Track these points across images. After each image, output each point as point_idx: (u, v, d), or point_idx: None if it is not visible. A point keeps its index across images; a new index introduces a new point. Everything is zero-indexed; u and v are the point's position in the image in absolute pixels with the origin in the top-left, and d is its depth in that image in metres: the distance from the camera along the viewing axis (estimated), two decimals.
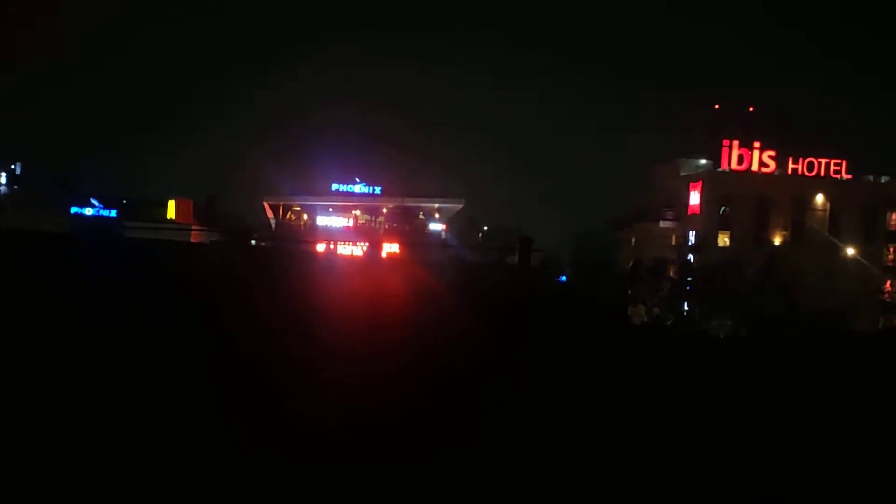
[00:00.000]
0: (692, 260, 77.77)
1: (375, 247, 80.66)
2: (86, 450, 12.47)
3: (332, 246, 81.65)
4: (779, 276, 67.83)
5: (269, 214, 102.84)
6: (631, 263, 73.38)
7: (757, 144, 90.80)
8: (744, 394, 15.71)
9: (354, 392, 13.74)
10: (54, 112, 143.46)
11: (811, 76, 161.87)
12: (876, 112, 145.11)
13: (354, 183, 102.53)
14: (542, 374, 14.77)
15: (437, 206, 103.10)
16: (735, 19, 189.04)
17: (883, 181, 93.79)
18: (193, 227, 79.12)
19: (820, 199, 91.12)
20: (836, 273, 79.94)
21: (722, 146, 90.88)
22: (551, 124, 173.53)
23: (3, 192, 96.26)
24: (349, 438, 13.20)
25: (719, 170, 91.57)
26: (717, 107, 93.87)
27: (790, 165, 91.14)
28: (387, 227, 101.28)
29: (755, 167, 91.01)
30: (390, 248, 76.72)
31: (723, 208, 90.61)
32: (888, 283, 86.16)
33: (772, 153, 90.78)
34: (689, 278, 70.74)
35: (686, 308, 68.13)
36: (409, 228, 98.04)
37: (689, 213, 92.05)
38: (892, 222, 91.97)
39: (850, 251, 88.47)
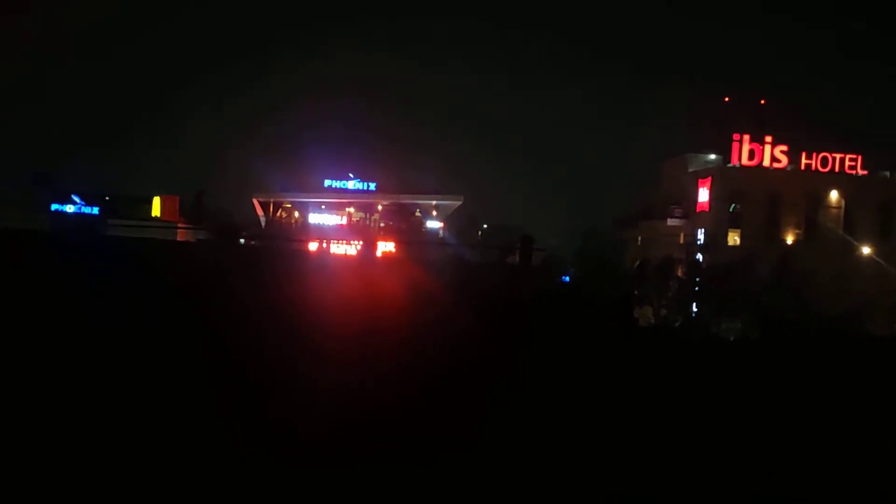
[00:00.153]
0: (701, 259, 75.78)
1: (370, 246, 79.94)
2: (70, 448, 12.33)
3: (324, 245, 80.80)
4: (791, 276, 66.75)
5: (259, 212, 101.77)
6: (637, 263, 71.80)
7: (769, 139, 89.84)
8: (755, 399, 15.65)
9: (348, 396, 13.65)
10: (34, 106, 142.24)
11: (825, 68, 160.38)
12: (892, 105, 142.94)
13: (348, 179, 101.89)
14: (544, 377, 14.65)
15: (434, 203, 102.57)
16: (746, 9, 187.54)
17: None
18: (179, 225, 78.70)
19: (834, 195, 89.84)
20: (851, 273, 79.77)
21: (732, 141, 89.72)
22: (555, 118, 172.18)
23: None
24: (343, 441, 13.09)
25: (729, 165, 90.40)
26: (726, 100, 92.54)
27: (803, 161, 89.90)
28: (382, 225, 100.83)
29: (767, 162, 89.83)
30: (385, 247, 76.42)
31: (733, 205, 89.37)
32: None
33: (784, 148, 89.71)
34: (697, 279, 68.86)
35: (695, 309, 66.13)
36: (405, 226, 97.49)
37: (697, 210, 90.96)
38: None
39: (866, 250, 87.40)
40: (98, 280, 13.93)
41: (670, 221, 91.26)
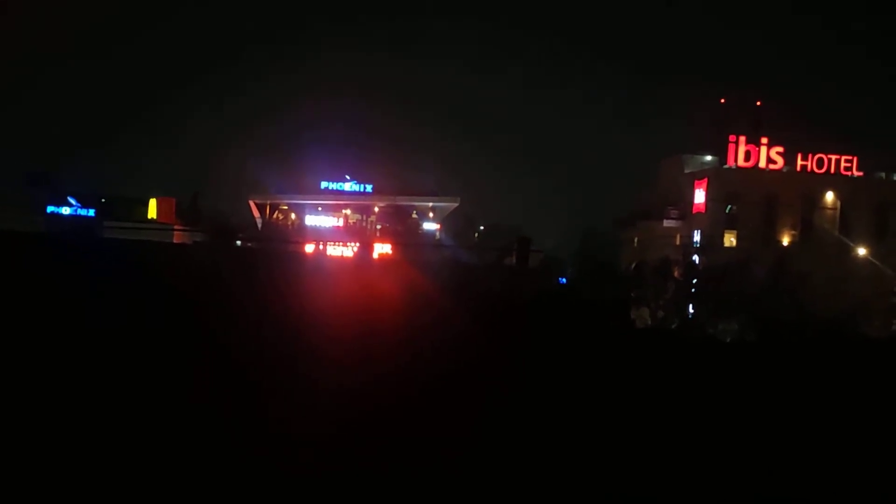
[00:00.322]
0: (697, 261, 75.59)
1: (367, 247, 79.71)
2: (68, 449, 12.24)
3: (321, 247, 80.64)
4: (787, 277, 66.58)
5: (255, 214, 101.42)
6: (634, 264, 71.75)
7: (764, 140, 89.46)
8: (751, 400, 15.60)
9: (346, 397, 13.49)
10: (31, 107, 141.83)
11: (821, 69, 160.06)
12: (888, 107, 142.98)
13: (345, 181, 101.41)
14: (541, 379, 14.59)
15: (431, 204, 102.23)
16: (742, 10, 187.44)
17: (895, 178, 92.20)
18: (176, 227, 78.21)
19: (830, 197, 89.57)
20: (846, 274, 79.05)
21: (728, 142, 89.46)
22: (552, 119, 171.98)
23: None
24: (341, 441, 12.93)
25: (725, 167, 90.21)
26: (722, 101, 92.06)
27: (799, 162, 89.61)
28: (378, 226, 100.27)
29: (763, 164, 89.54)
30: (382, 248, 76.29)
31: (729, 207, 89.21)
32: None
33: (780, 149, 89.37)
34: (694, 280, 68.68)
35: (691, 311, 66.10)
36: (401, 228, 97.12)
37: (693, 211, 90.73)
38: None
39: (862, 251, 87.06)
40: (95, 282, 13.86)
41: (667, 223, 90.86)
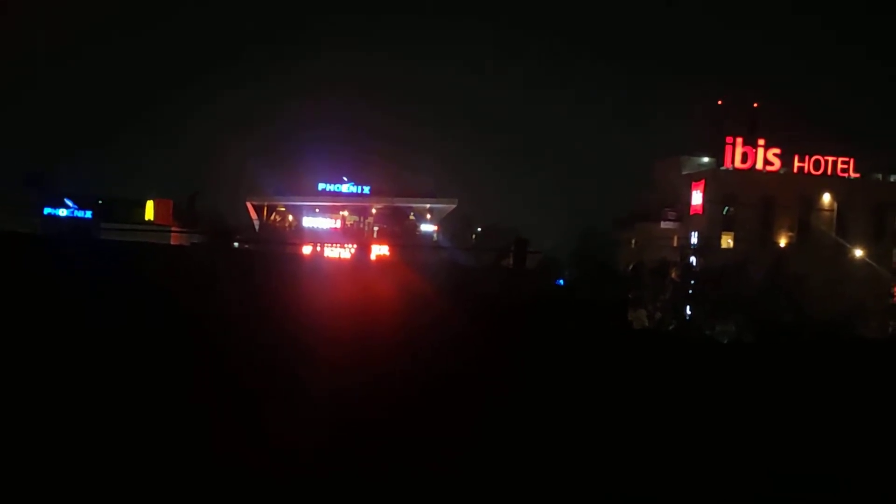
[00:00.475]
0: (694, 262, 75.50)
1: (364, 249, 79.93)
2: (64, 451, 12.22)
3: (318, 248, 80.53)
4: (784, 278, 66.36)
5: (253, 215, 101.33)
6: (631, 266, 71.66)
7: (761, 142, 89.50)
8: (747, 402, 15.59)
9: (343, 399, 13.51)
10: (28, 109, 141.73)
11: (817, 71, 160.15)
12: (885, 108, 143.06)
13: (342, 182, 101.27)
14: (539, 380, 14.52)
15: (428, 206, 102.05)
16: (740, 11, 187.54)
17: (892, 180, 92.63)
18: (173, 229, 77.97)
19: (827, 198, 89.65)
20: (843, 275, 78.93)
21: (725, 143, 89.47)
22: (551, 119, 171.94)
23: None
24: (339, 444, 12.97)
25: (722, 168, 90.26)
26: (719, 102, 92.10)
27: (796, 164, 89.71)
28: (376, 228, 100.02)
29: (760, 165, 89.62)
30: (380, 250, 76.23)
31: (726, 208, 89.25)
32: None
33: (777, 151, 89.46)
34: (691, 281, 68.56)
35: (689, 312, 66.01)
36: (399, 230, 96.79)
37: (691, 213, 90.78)
38: None
39: (859, 253, 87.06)
40: (91, 284, 13.77)
41: (664, 224, 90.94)
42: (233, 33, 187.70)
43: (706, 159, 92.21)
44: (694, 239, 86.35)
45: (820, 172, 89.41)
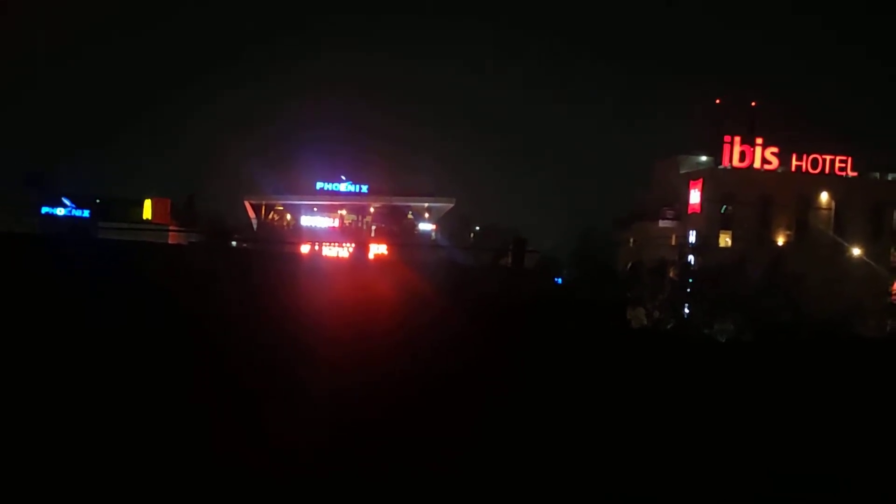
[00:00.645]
0: (693, 261, 75.61)
1: (362, 248, 79.95)
2: (60, 453, 12.28)
3: (316, 247, 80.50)
4: (782, 277, 66.45)
5: (251, 214, 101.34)
6: (630, 265, 71.75)
7: (759, 141, 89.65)
8: (745, 401, 15.66)
9: (341, 400, 13.57)
10: (26, 109, 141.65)
11: (815, 70, 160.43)
12: (882, 107, 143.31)
13: (340, 181, 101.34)
14: (537, 380, 14.59)
15: (426, 205, 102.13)
16: (738, 11, 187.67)
17: (890, 178, 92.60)
18: (171, 228, 77.97)
19: (825, 197, 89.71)
20: (841, 274, 79.13)
21: (723, 142, 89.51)
22: (549, 119, 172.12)
23: None
24: (337, 445, 13.05)
25: (720, 167, 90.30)
26: (717, 101, 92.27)
27: (794, 162, 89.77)
28: (374, 227, 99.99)
29: (758, 164, 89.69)
30: (378, 249, 76.13)
31: (724, 207, 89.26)
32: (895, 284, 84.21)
33: (775, 150, 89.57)
34: (689, 280, 68.65)
35: (687, 311, 66.09)
36: (397, 229, 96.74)
37: (689, 212, 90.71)
38: None
39: (856, 251, 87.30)
40: (89, 284, 13.74)
41: (662, 223, 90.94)
42: (232, 33, 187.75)
43: (704, 158, 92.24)
44: (692, 238, 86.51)
45: (818, 171, 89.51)
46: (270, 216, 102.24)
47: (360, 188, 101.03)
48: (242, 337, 13.90)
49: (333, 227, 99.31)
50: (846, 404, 15.92)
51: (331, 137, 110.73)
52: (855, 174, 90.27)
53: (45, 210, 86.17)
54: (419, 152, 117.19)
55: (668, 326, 61.11)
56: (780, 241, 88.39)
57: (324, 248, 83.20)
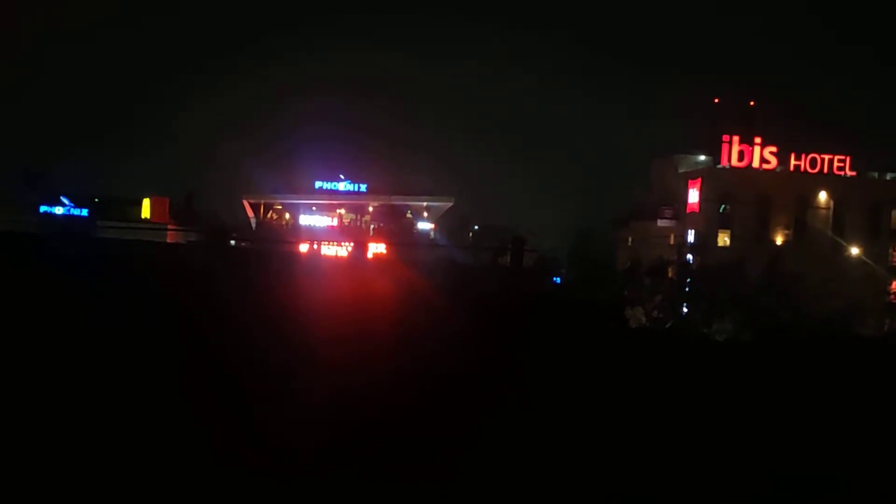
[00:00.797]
0: (691, 260, 75.56)
1: (361, 247, 79.85)
2: (58, 454, 12.23)
3: (315, 246, 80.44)
4: (781, 277, 66.31)
5: (250, 213, 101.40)
6: (628, 264, 71.68)
7: (758, 140, 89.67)
8: (745, 399, 15.67)
9: (340, 399, 13.53)
10: (24, 108, 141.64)
11: (814, 70, 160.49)
12: (881, 106, 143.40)
13: (339, 180, 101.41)
14: (536, 379, 14.54)
15: (425, 204, 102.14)
16: (738, 11, 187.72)
17: (888, 178, 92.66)
18: (169, 227, 77.96)
19: (823, 196, 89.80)
20: (840, 274, 78.74)
21: (722, 142, 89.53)
22: (548, 118, 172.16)
23: None
24: (336, 445, 13.01)
25: (719, 166, 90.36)
26: (716, 101, 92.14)
27: (792, 162, 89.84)
28: (373, 226, 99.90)
29: (756, 164, 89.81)
30: (376, 248, 76.11)
31: (723, 206, 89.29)
32: (894, 283, 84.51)
33: (773, 149, 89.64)
34: (688, 279, 68.59)
35: (685, 310, 66.02)
36: (396, 228, 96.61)
37: (687, 211, 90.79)
38: None
39: (855, 251, 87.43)
40: (87, 283, 13.74)
41: (661, 222, 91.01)
42: (231, 32, 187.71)
43: (703, 157, 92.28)
44: (691, 237, 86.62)
45: (816, 170, 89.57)
46: (269, 215, 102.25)
47: (359, 187, 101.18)
48: (241, 336, 13.87)
49: (332, 226, 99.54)
50: (845, 404, 15.95)
51: (329, 136, 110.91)
52: (853, 174, 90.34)
53: (43, 209, 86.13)
54: (418, 151, 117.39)
55: (667, 326, 61.03)
56: (779, 240, 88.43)
57: (322, 247, 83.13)
